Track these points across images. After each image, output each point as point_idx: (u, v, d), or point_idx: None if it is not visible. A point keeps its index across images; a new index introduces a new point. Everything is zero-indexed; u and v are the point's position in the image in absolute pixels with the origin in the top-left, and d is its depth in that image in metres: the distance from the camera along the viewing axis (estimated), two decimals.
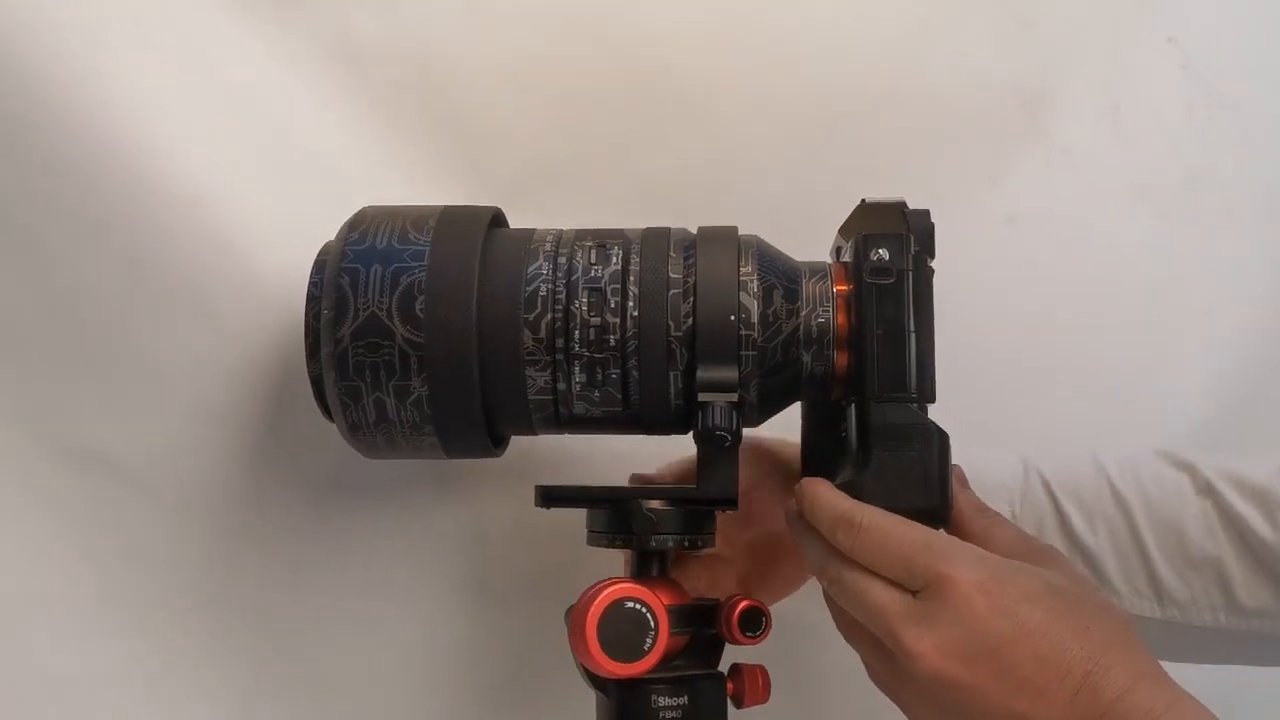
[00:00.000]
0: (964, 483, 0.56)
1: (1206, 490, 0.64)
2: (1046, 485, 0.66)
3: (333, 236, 0.59)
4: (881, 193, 0.59)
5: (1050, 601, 0.48)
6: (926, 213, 0.57)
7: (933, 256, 0.56)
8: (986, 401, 0.80)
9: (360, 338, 0.55)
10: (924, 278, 0.55)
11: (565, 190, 0.74)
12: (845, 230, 0.59)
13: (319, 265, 0.58)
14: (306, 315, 0.57)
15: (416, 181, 0.71)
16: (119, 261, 0.67)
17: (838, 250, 0.61)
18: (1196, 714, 0.46)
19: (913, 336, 0.54)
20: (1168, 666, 0.48)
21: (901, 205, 0.57)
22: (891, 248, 0.55)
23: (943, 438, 0.54)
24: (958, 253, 0.61)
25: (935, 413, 0.56)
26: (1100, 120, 0.83)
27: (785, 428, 0.62)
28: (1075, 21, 0.82)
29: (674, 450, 0.64)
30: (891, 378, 0.54)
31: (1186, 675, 0.48)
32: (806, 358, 0.56)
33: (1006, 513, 0.63)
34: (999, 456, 0.67)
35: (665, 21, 0.75)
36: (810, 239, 0.63)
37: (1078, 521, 0.65)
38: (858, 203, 0.59)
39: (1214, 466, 0.64)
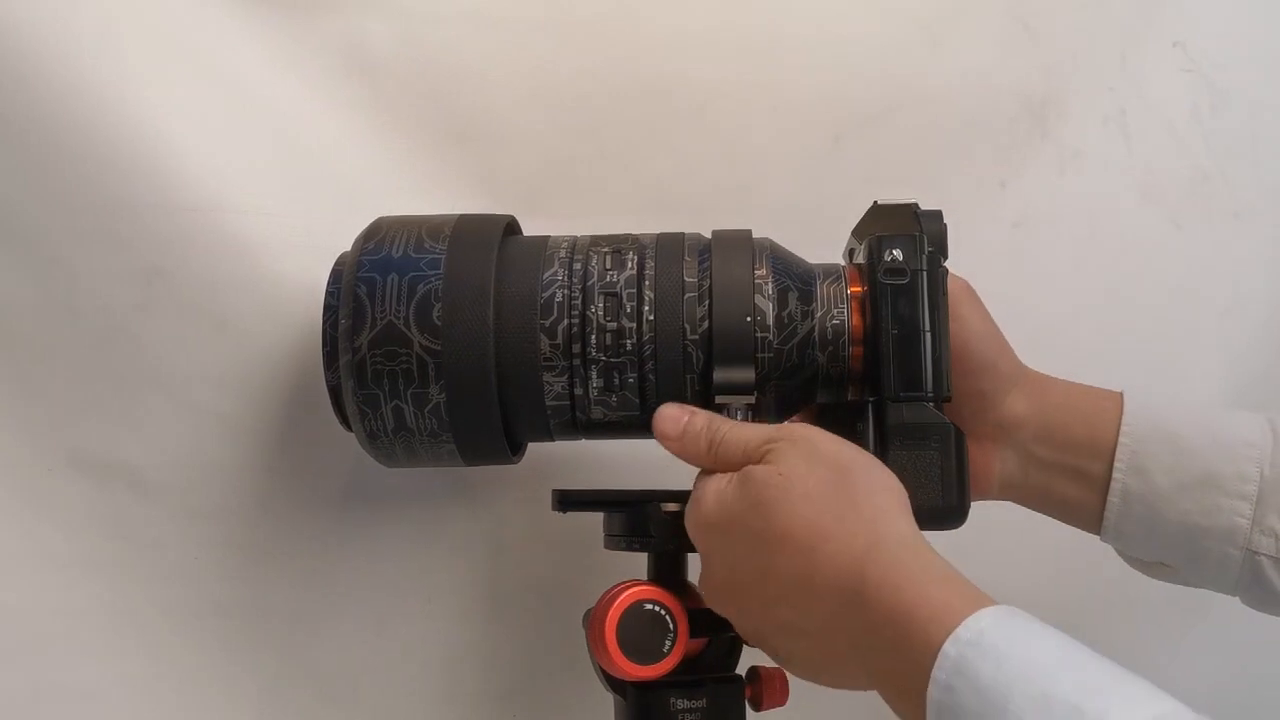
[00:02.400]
0: None
1: None
2: None
3: (348, 246, 0.59)
4: (891, 198, 0.59)
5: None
6: (939, 214, 0.57)
7: (945, 257, 0.56)
8: None
9: (378, 346, 0.56)
10: (937, 277, 0.56)
11: (579, 197, 0.74)
12: (858, 232, 0.59)
13: (336, 275, 0.58)
14: (324, 324, 0.58)
15: (431, 190, 0.72)
16: (136, 271, 0.68)
17: (851, 253, 0.61)
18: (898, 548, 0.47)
19: (927, 336, 0.55)
20: None
21: (914, 207, 0.57)
22: (905, 248, 0.55)
23: (959, 436, 0.54)
24: (968, 256, 0.61)
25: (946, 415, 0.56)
26: (1108, 124, 0.83)
27: None
28: (1081, 27, 0.83)
29: None
30: (907, 378, 0.55)
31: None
32: (822, 359, 0.57)
33: (1255, 474, 0.59)
34: (1245, 418, 0.61)
35: (677, 30, 0.75)
36: (822, 244, 0.64)
37: None
38: (869, 206, 0.59)
39: None
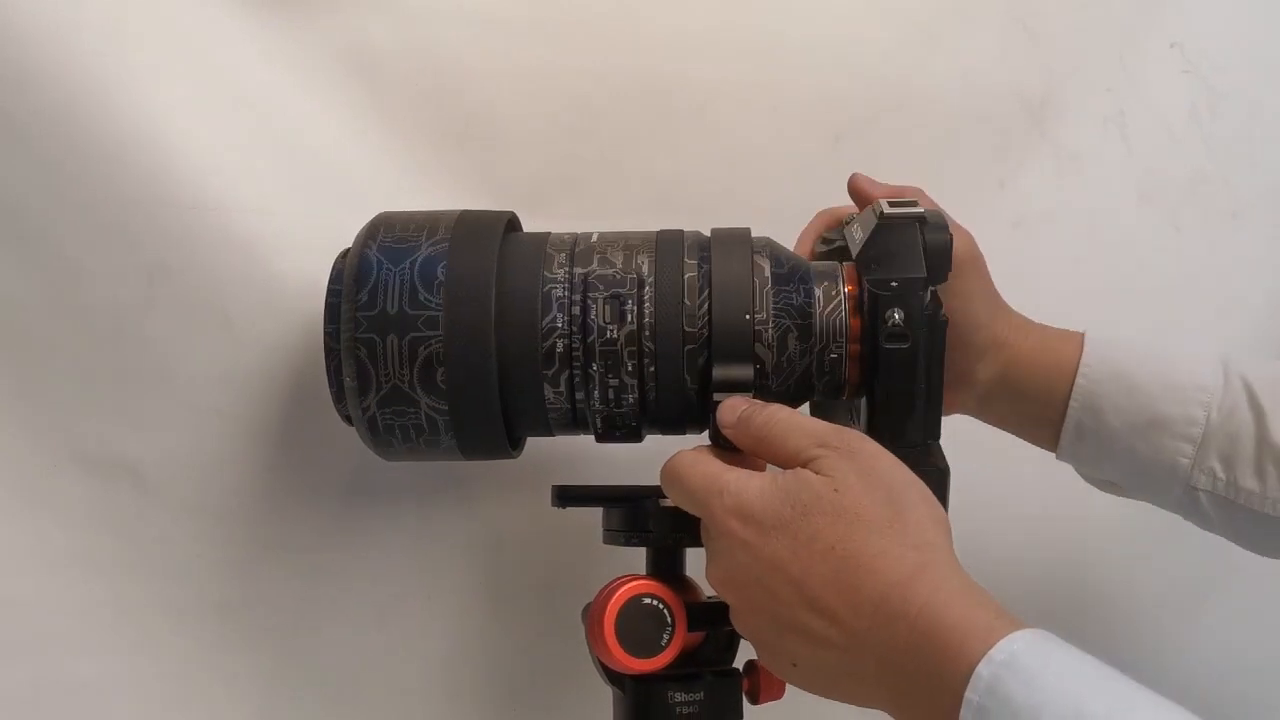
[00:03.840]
0: None
1: None
2: (1249, 390, 0.63)
3: (349, 242, 0.59)
4: (897, 200, 0.58)
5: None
6: (944, 224, 0.56)
7: (949, 269, 0.56)
8: None
9: (386, 406, 0.56)
10: (938, 335, 0.55)
11: (579, 196, 0.74)
12: (862, 258, 0.56)
13: (333, 310, 0.57)
14: (327, 366, 0.58)
15: (432, 189, 0.72)
16: (139, 269, 0.68)
17: (843, 248, 0.61)
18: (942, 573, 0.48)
19: (923, 394, 0.55)
20: None
21: (919, 223, 0.55)
22: (908, 307, 0.54)
23: (942, 476, 0.55)
24: None
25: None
26: (1106, 124, 0.83)
27: None
28: (1080, 28, 0.83)
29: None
30: (897, 434, 0.55)
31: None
32: (819, 360, 0.57)
33: (1201, 418, 0.62)
34: (1201, 361, 0.64)
35: (677, 30, 0.76)
36: None
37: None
38: (872, 205, 0.58)
39: None
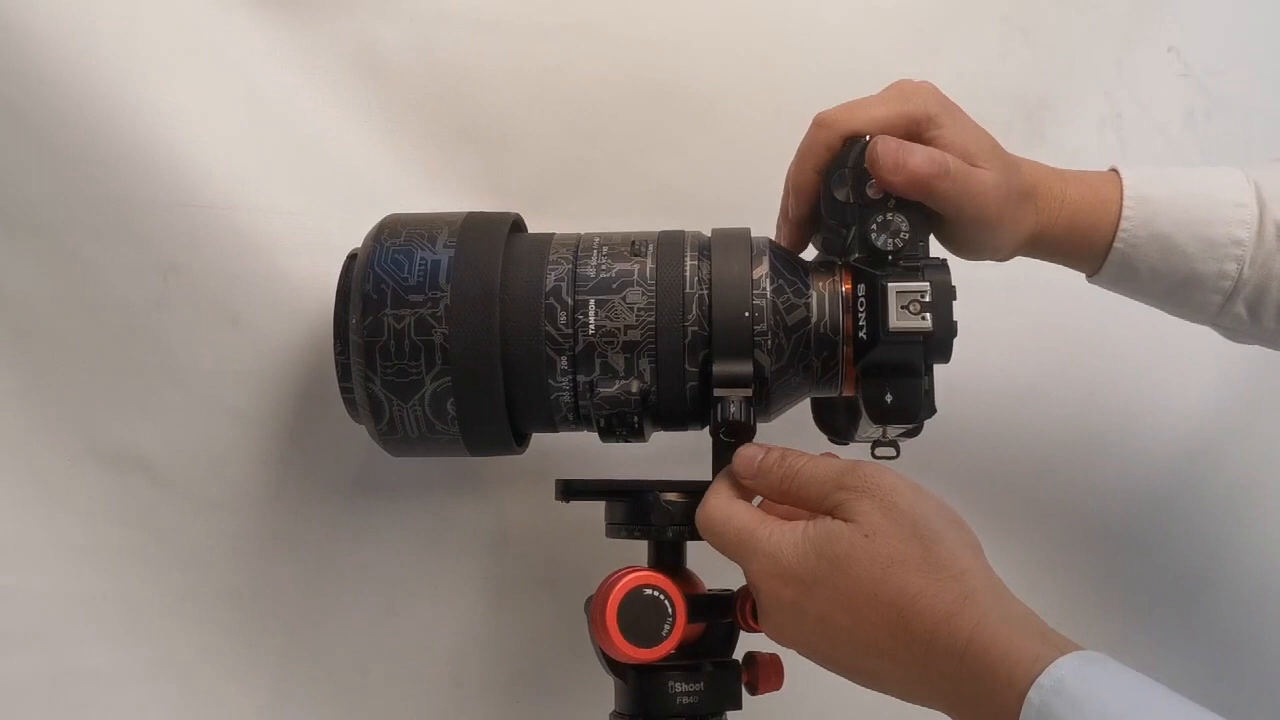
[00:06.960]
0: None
1: None
2: None
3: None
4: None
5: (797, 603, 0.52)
6: (945, 264, 0.56)
7: (954, 298, 0.56)
8: (995, 407, 0.81)
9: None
10: (932, 400, 0.57)
11: (584, 198, 0.75)
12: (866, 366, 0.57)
13: (342, 333, 0.59)
14: (339, 382, 0.59)
15: (439, 190, 0.73)
16: (152, 268, 0.69)
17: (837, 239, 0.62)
18: (989, 595, 0.49)
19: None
20: None
21: (924, 338, 0.55)
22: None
23: None
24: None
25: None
26: (1103, 128, 0.84)
27: None
28: (1078, 32, 0.84)
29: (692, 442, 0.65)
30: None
31: None
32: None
33: (1234, 272, 0.63)
34: (1237, 209, 0.63)
35: (680, 34, 0.77)
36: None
37: None
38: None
39: None
